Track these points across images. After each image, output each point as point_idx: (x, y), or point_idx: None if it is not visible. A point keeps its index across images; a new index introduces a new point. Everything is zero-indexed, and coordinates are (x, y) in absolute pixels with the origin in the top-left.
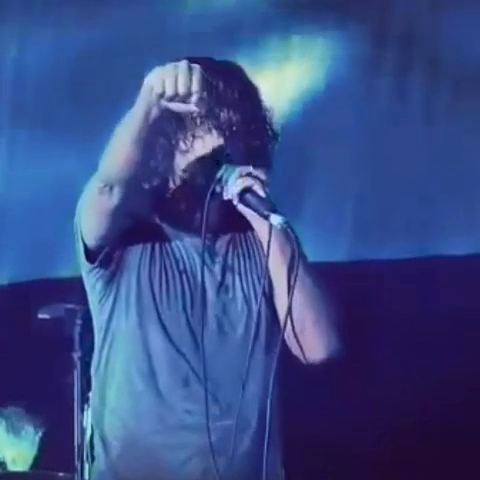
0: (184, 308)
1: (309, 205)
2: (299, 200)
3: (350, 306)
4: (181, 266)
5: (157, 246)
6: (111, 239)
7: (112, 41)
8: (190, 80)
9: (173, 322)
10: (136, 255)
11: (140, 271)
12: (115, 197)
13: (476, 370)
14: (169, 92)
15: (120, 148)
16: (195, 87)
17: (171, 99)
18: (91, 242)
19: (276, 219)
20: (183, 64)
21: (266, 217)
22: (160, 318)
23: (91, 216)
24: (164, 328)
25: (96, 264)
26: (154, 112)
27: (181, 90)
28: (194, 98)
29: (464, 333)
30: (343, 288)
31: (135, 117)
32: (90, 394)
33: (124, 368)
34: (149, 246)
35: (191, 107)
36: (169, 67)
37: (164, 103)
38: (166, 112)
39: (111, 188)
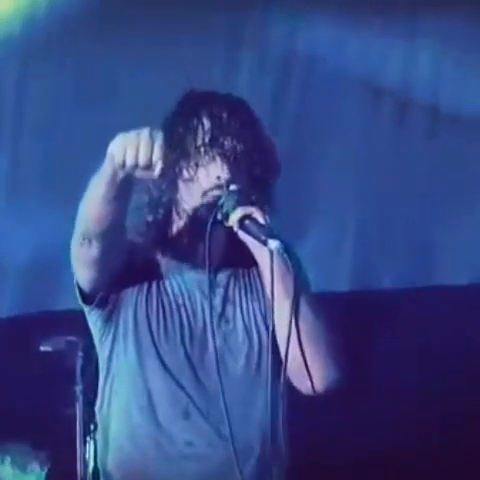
0: (182, 341)
1: (310, 234)
2: (300, 229)
3: (351, 336)
4: (180, 300)
5: (154, 282)
6: (103, 284)
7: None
8: (151, 151)
9: (172, 356)
10: (132, 293)
11: (137, 308)
12: (94, 250)
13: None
14: (129, 163)
15: (91, 206)
16: (156, 158)
17: (133, 168)
18: (85, 287)
19: (274, 244)
20: (145, 133)
21: (264, 242)
22: (158, 353)
23: (78, 266)
24: (163, 362)
25: (93, 306)
26: (120, 175)
27: (141, 162)
28: (156, 170)
29: (466, 363)
30: (344, 318)
31: (102, 179)
32: (92, 426)
33: (123, 405)
34: (146, 283)
35: (154, 175)
36: (131, 136)
37: (127, 170)
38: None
39: (90, 241)
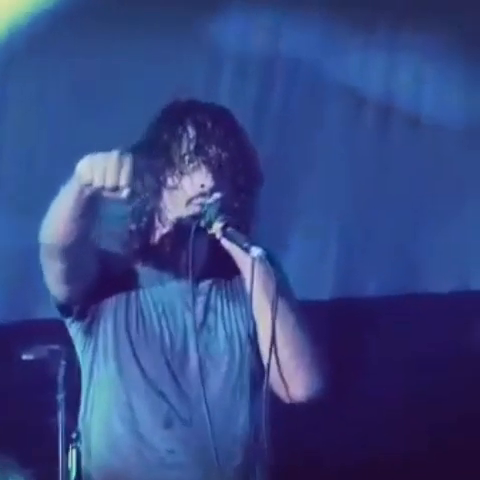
0: (163, 349)
1: (293, 241)
2: (283, 237)
3: (335, 344)
4: (160, 309)
5: (133, 292)
6: (78, 296)
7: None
8: (118, 175)
9: (152, 365)
10: (111, 303)
11: (116, 318)
12: (60, 264)
13: (466, 407)
14: (96, 184)
15: (56, 222)
16: (123, 182)
17: (100, 190)
18: (60, 299)
19: (256, 251)
20: (113, 156)
21: (246, 250)
22: (139, 362)
23: (48, 278)
24: (143, 371)
25: (73, 318)
26: (86, 193)
27: (109, 184)
28: (123, 193)
29: (449, 371)
30: (328, 326)
31: (69, 195)
32: (74, 434)
33: (104, 415)
34: (125, 293)
35: (121, 197)
36: (99, 158)
37: (93, 190)
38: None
39: (55, 256)
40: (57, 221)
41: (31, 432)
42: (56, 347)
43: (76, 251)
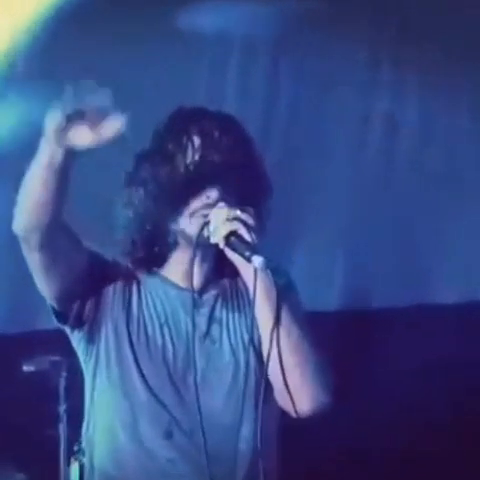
0: (165, 360)
1: (300, 253)
2: (290, 250)
3: (342, 356)
4: (162, 319)
5: (135, 301)
6: (63, 296)
7: None
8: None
9: (154, 374)
10: (112, 312)
11: (117, 327)
12: (38, 253)
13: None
14: (68, 110)
15: (28, 201)
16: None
17: (76, 122)
18: (53, 302)
19: (257, 260)
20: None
21: (248, 259)
22: (141, 371)
23: (35, 276)
24: (145, 381)
25: (70, 325)
26: (57, 156)
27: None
28: (100, 98)
29: (455, 381)
30: (335, 338)
31: (39, 166)
32: (76, 447)
33: (107, 423)
34: (126, 302)
35: (103, 135)
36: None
37: (68, 140)
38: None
39: (32, 243)
40: (29, 200)
41: (33, 444)
42: (57, 358)
43: (51, 234)
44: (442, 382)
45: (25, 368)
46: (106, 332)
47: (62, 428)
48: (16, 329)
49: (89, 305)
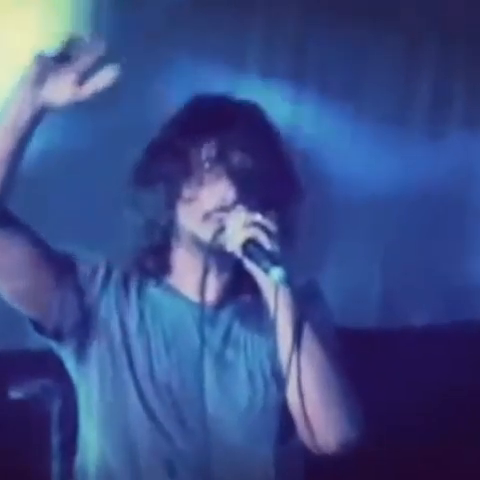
0: (169, 386)
1: (334, 269)
2: (320, 259)
3: (375, 379)
4: (169, 337)
5: (136, 315)
6: (21, 299)
7: None
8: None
9: (157, 401)
10: (108, 327)
11: (114, 346)
12: None
13: None
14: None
15: None
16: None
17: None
18: (18, 307)
19: (275, 272)
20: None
21: (266, 271)
22: (142, 398)
23: None
24: (147, 409)
25: (52, 340)
26: (25, 117)
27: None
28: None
29: None
30: (371, 357)
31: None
32: None
33: (102, 457)
34: (126, 316)
35: (88, 89)
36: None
37: (45, 93)
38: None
39: None
40: None
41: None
42: (50, 382)
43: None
44: None
45: (12, 394)
46: (100, 351)
47: (56, 462)
48: (1, 347)
49: (72, 317)
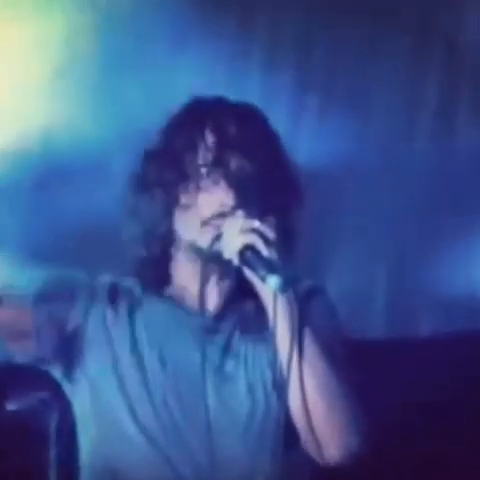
0: (165, 402)
1: (339, 277)
2: (323, 266)
3: (382, 390)
4: (166, 351)
5: (126, 330)
6: None
7: None
8: None
9: (153, 420)
10: (98, 347)
11: (105, 361)
12: None
13: None
14: None
15: None
16: None
17: None
18: None
19: (272, 280)
20: None
21: (262, 278)
22: (135, 417)
23: None
24: (142, 429)
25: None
26: None
27: None
28: None
29: None
30: (379, 367)
31: None
32: None
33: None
34: (118, 335)
35: None
36: None
37: None
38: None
39: None
40: None
41: None
42: (47, 396)
43: None
44: None
45: (9, 407)
46: (90, 373)
47: (53, 475)
48: None
49: (50, 346)
